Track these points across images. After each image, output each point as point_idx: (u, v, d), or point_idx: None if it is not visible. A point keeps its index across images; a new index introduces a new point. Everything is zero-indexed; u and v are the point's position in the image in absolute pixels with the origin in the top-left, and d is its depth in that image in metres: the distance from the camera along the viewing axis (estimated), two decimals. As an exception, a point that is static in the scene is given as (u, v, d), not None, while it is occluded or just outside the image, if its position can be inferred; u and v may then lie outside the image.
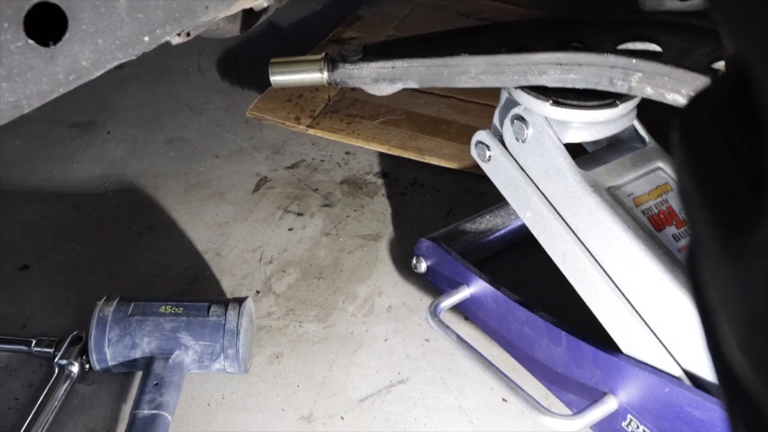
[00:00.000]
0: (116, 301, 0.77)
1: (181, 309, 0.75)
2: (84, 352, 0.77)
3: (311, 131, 1.19)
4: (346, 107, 1.24)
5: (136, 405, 0.69)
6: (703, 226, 0.22)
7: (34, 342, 0.79)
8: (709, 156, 0.22)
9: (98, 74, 0.46)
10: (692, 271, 0.24)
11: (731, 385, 0.22)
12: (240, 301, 0.77)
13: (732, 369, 0.22)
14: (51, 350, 0.78)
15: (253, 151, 1.18)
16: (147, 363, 0.73)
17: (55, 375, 0.76)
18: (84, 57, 0.44)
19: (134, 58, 0.48)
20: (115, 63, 0.47)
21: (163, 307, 0.75)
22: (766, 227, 0.19)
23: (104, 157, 1.17)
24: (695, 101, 0.23)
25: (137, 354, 0.74)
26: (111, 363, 0.75)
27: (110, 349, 0.74)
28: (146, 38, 0.47)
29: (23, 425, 0.71)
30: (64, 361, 0.76)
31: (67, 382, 0.76)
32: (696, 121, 0.23)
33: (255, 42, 1.48)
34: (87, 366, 0.78)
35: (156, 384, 0.70)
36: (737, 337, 0.21)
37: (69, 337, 0.79)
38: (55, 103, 1.34)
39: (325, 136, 1.18)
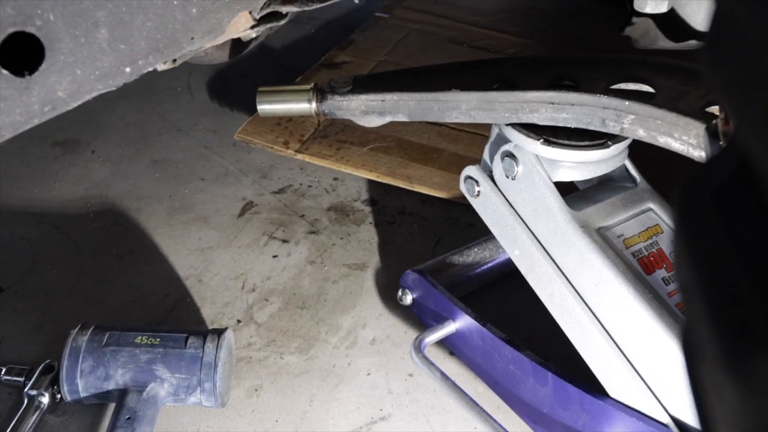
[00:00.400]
0: (91, 330, 0.74)
1: (158, 340, 0.73)
2: (55, 383, 0.75)
3: (300, 156, 1.18)
4: (336, 133, 1.23)
5: None
6: (706, 329, 0.20)
7: (3, 370, 0.77)
8: (712, 251, 0.20)
9: (75, 105, 0.45)
10: (688, 359, 0.23)
11: None
12: (219, 332, 0.75)
13: None
14: (21, 379, 0.76)
15: (240, 174, 1.17)
16: (120, 395, 0.71)
17: (24, 405, 0.73)
18: (61, 88, 0.43)
19: (114, 89, 0.47)
20: (94, 94, 0.45)
21: (139, 337, 0.73)
22: None
23: (87, 177, 1.15)
24: (695, 182, 0.22)
25: (110, 386, 0.72)
26: (83, 394, 0.72)
27: (82, 380, 0.72)
28: (128, 69, 0.46)
29: (-12, 459, 0.68)
30: (34, 392, 0.74)
31: (37, 413, 0.73)
32: (696, 206, 0.21)
33: (247, 63, 1.47)
34: (58, 397, 0.76)
35: (128, 418, 0.68)
36: None
37: (40, 367, 0.76)
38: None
39: (314, 162, 1.17)
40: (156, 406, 0.71)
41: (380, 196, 1.12)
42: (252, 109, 1.27)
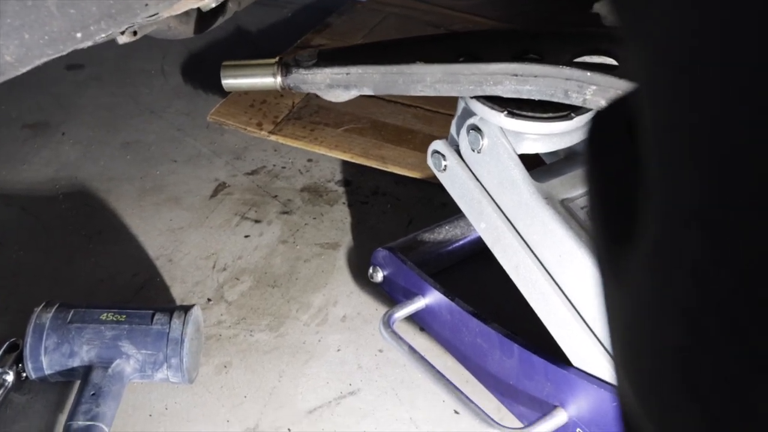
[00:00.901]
0: (55, 307, 0.74)
1: (124, 317, 0.73)
2: (20, 361, 0.74)
3: (273, 137, 1.17)
4: (310, 114, 1.22)
5: (71, 416, 0.66)
6: (595, 237, 0.21)
7: (-32, 349, 0.76)
8: (611, 164, 0.21)
9: (25, 70, 0.44)
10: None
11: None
12: (186, 308, 0.74)
13: (622, 402, 0.21)
14: (-14, 358, 0.75)
15: (213, 156, 1.16)
16: (85, 372, 0.70)
17: (-12, 384, 0.73)
18: (8, 52, 0.42)
19: (65, 54, 0.46)
20: (44, 59, 0.45)
21: (105, 314, 0.73)
22: (644, 243, 0.18)
23: (57, 159, 1.14)
24: (611, 108, 0.22)
25: (75, 362, 0.71)
26: (47, 372, 0.72)
27: (47, 358, 0.71)
28: (78, 34, 0.45)
29: (-49, 437, 0.67)
30: (-1, 370, 0.73)
31: (1, 391, 0.72)
32: (607, 129, 0.22)
33: (222, 46, 1.46)
34: (23, 375, 0.75)
35: (93, 394, 0.68)
36: (621, 362, 0.20)
37: (5, 345, 0.76)
38: (9, 102, 1.30)
39: (288, 143, 1.17)
40: (122, 382, 0.70)
41: (354, 177, 1.12)
42: (226, 92, 1.26)
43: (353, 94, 0.73)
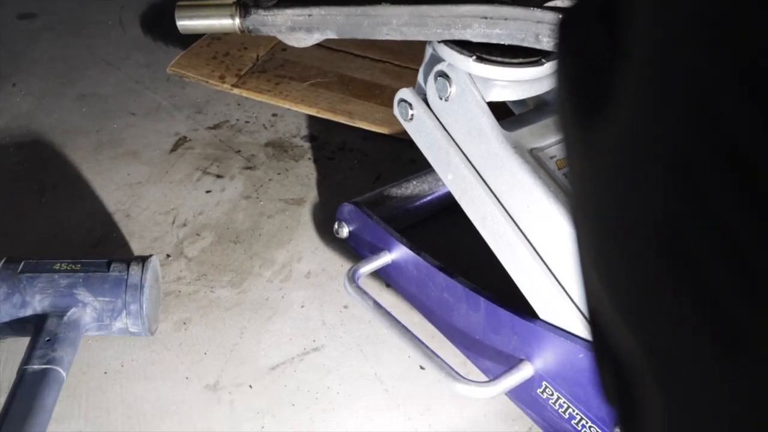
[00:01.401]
0: (3, 261, 0.70)
1: (79, 266, 0.69)
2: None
3: (236, 91, 1.13)
4: (275, 68, 1.18)
5: (26, 360, 0.63)
6: (568, 115, 0.19)
7: None
8: (584, 50, 0.18)
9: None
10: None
11: (591, 321, 0.19)
12: (144, 258, 0.71)
13: (589, 298, 0.19)
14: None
15: (173, 109, 1.11)
16: (38, 321, 0.67)
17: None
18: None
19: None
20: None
21: (58, 264, 0.69)
22: (616, 113, 0.16)
23: (7, 110, 1.08)
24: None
25: (27, 312, 0.68)
26: None
27: None
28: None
29: None
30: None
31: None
32: (580, 20, 0.20)
33: (184, -2, 1.39)
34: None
35: (48, 340, 0.64)
36: (590, 251, 0.18)
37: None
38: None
39: (252, 97, 1.12)
40: (78, 329, 0.67)
41: (320, 133, 1.09)
42: (188, 44, 1.21)
43: (316, 38, 0.70)
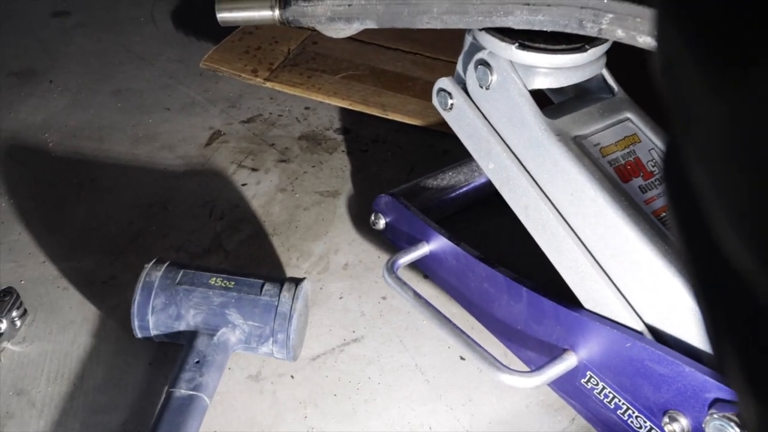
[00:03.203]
0: (165, 266, 0.70)
1: (233, 283, 0.69)
2: (13, 309, 0.72)
3: (269, 84, 1.13)
4: (307, 61, 1.18)
5: (174, 382, 0.63)
6: (691, 75, 0.18)
7: (-41, 297, 0.73)
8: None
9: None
10: (669, 166, 0.20)
11: (721, 287, 0.19)
12: (296, 281, 0.70)
13: (725, 262, 0.18)
14: (-23, 306, 0.72)
15: (207, 104, 1.12)
16: (190, 338, 0.67)
17: (-19, 332, 0.70)
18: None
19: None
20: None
21: (214, 278, 0.69)
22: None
23: (45, 106, 1.10)
24: None
25: (181, 326, 0.68)
26: (153, 332, 0.69)
27: (153, 317, 0.68)
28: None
29: (-57, 384, 0.65)
30: (-9, 317, 0.71)
31: (-5, 339, 0.70)
32: None
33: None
34: (17, 323, 0.73)
35: (197, 362, 0.65)
36: (734, 215, 0.17)
37: (-3, 292, 0.73)
38: (-8, 47, 1.25)
39: (284, 90, 1.13)
40: (226, 352, 0.67)
41: (353, 125, 1.08)
42: (219, 39, 1.22)
43: (355, 27, 0.70)
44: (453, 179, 0.90)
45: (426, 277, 0.82)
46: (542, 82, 0.67)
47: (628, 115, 0.69)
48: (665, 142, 0.22)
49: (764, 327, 0.18)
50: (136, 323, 0.68)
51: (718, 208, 0.18)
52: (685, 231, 0.21)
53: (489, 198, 0.92)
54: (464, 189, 0.90)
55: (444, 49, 1.21)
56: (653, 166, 0.66)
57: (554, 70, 0.66)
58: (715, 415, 0.53)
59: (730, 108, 0.17)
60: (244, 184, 0.96)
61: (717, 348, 0.20)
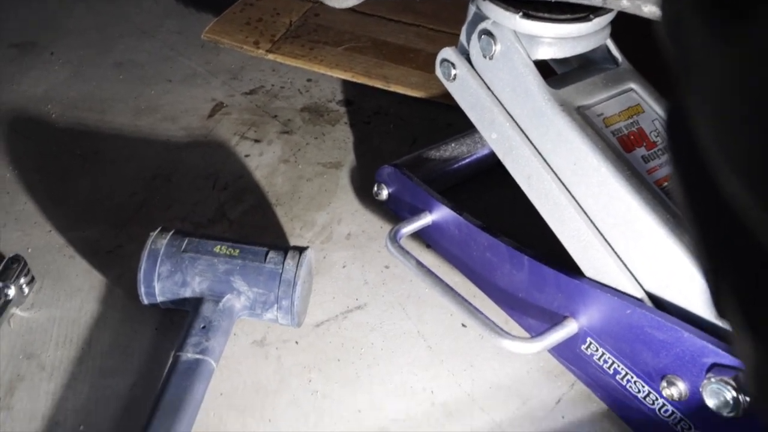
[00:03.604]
0: (170, 234, 0.71)
1: (237, 251, 0.69)
2: (21, 276, 0.73)
3: (271, 56, 1.13)
4: (308, 33, 1.18)
5: (180, 347, 0.64)
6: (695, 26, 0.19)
7: (-33, 264, 0.74)
8: None
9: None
10: (672, 125, 0.21)
11: (725, 237, 0.19)
12: (300, 250, 0.71)
13: (729, 214, 0.19)
14: (-14, 273, 0.73)
15: (209, 76, 1.12)
16: (195, 304, 0.68)
17: (-10, 298, 0.71)
18: None
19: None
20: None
21: (218, 246, 0.70)
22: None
23: (47, 79, 1.09)
24: None
25: (187, 293, 0.69)
26: (159, 299, 0.70)
27: (159, 284, 0.69)
28: None
29: (-46, 349, 0.66)
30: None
31: (3, 305, 0.71)
32: None
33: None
34: (25, 290, 0.74)
35: (203, 327, 0.65)
36: (737, 163, 0.18)
37: (5, 259, 0.74)
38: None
39: (286, 62, 1.12)
40: (231, 318, 0.68)
41: (355, 97, 1.09)
42: (219, 11, 1.21)
43: (360, -4, 0.70)
44: (456, 150, 0.90)
45: (428, 246, 0.83)
46: (546, 52, 0.67)
47: (632, 85, 0.70)
48: (668, 103, 0.22)
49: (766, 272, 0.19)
50: (142, 290, 0.69)
51: (721, 157, 0.19)
52: (688, 186, 0.21)
53: (491, 169, 0.93)
54: (467, 160, 0.91)
55: (447, 21, 1.20)
56: (656, 137, 0.67)
57: (558, 40, 0.66)
58: (712, 379, 0.54)
59: (732, 58, 0.17)
60: (247, 156, 0.97)
61: (716, 291, 0.21)
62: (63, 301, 0.75)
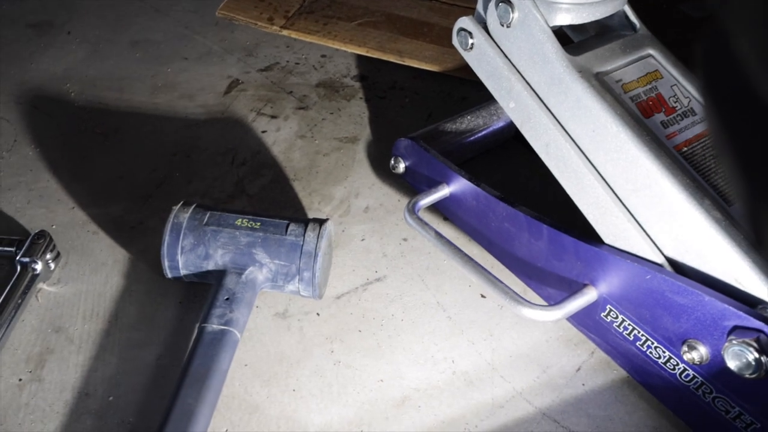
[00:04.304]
0: (192, 207, 0.72)
1: (258, 224, 0.70)
2: (47, 251, 0.74)
3: (285, 32, 1.13)
4: (322, 8, 1.17)
5: (205, 318, 0.65)
6: None
7: (-6, 241, 0.76)
8: None
9: None
10: (708, 49, 0.21)
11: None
12: (320, 222, 0.72)
13: None
14: (12, 249, 0.75)
15: (224, 53, 1.12)
16: (219, 276, 0.69)
17: (17, 273, 0.73)
18: None
19: None
20: None
21: (240, 220, 0.70)
22: None
23: (65, 58, 1.10)
24: None
25: (210, 266, 0.70)
26: (183, 272, 0.71)
27: (182, 258, 0.70)
28: None
29: (-15, 322, 0.68)
30: (26, 259, 0.73)
31: (31, 281, 0.73)
32: None
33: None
34: (51, 265, 0.75)
35: (227, 299, 0.67)
36: None
37: (31, 235, 0.75)
38: (9, 2, 1.26)
39: (300, 38, 1.12)
40: (254, 290, 0.69)
41: (370, 72, 1.08)
42: (233, -12, 1.21)
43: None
44: (472, 123, 0.90)
45: (446, 219, 0.84)
46: (564, 19, 0.66)
47: (650, 51, 0.69)
48: (701, 36, 0.22)
49: None
50: (166, 263, 0.71)
51: (764, 63, 0.19)
52: (726, 111, 0.21)
53: (507, 142, 0.93)
54: (483, 133, 0.91)
55: (460, -6, 1.19)
56: (675, 102, 0.66)
57: (576, 5, 0.65)
58: (734, 341, 0.54)
59: None
60: (264, 131, 0.97)
61: (757, 219, 0.21)
62: (88, 276, 0.77)
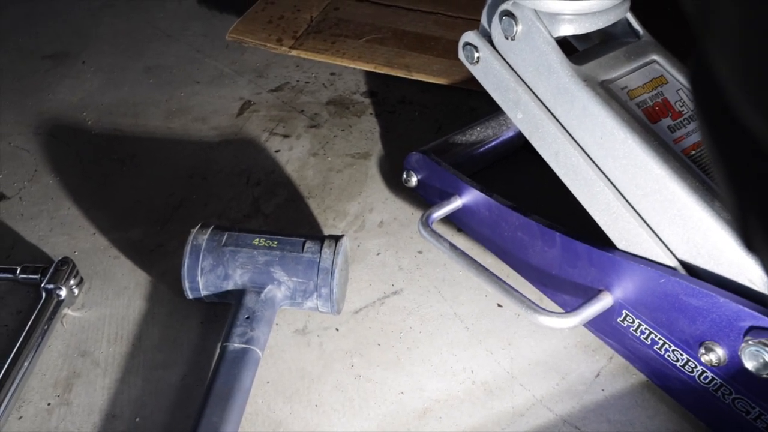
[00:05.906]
0: (210, 229, 0.73)
1: (275, 243, 0.72)
2: (71, 277, 0.76)
3: (294, 53, 1.15)
4: (330, 27, 1.19)
5: (227, 337, 0.67)
6: None
7: (19, 269, 0.78)
8: None
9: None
10: (696, 76, 0.22)
11: (747, 166, 0.20)
12: (336, 238, 0.73)
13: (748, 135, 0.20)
14: (37, 276, 0.77)
15: (235, 75, 1.14)
16: (238, 296, 0.71)
17: (42, 300, 0.75)
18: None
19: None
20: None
21: (257, 239, 0.72)
22: None
23: (80, 87, 1.13)
24: None
25: (229, 285, 0.71)
26: (203, 293, 0.72)
27: (203, 279, 0.71)
28: None
29: (13, 349, 0.70)
30: (51, 286, 0.75)
31: (56, 306, 0.74)
32: None
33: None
34: (75, 290, 0.77)
35: (248, 318, 0.68)
36: (756, 94, 0.19)
37: (55, 262, 0.77)
38: (24, 34, 1.30)
39: (309, 57, 1.14)
40: (274, 308, 0.71)
41: (379, 88, 1.10)
42: (241, 12, 1.23)
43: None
44: (481, 134, 0.91)
45: (459, 230, 0.84)
46: (567, 29, 0.67)
47: (654, 57, 0.70)
48: (691, 57, 0.24)
49: None
50: (186, 285, 0.72)
51: (742, 93, 0.20)
52: (714, 130, 0.23)
53: (517, 152, 0.93)
54: (493, 143, 0.92)
55: (464, 7, 1.21)
56: (681, 106, 0.67)
57: (579, 16, 0.66)
58: (750, 342, 0.55)
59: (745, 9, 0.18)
60: (277, 151, 0.99)
61: (745, 226, 0.22)
62: (111, 300, 0.78)
